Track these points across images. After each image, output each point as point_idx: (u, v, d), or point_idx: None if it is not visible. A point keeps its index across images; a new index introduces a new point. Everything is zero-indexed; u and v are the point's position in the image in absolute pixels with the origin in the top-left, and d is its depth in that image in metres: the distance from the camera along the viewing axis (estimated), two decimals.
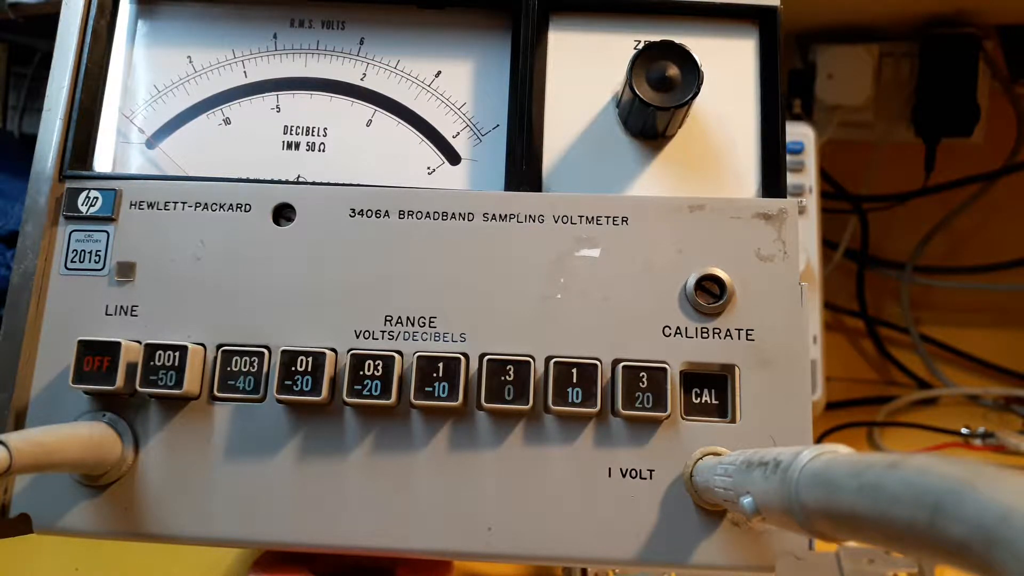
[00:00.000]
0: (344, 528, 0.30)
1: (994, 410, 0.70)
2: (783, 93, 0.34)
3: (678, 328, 0.31)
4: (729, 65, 0.35)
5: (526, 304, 0.31)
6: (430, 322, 0.31)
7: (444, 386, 0.30)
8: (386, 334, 0.31)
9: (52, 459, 0.27)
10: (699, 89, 0.32)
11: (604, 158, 0.34)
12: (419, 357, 0.30)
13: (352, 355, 0.30)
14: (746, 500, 0.22)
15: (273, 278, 0.32)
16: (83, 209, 0.33)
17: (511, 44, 0.35)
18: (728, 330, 0.31)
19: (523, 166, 0.33)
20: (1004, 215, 0.75)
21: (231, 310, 0.32)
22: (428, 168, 0.35)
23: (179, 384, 0.30)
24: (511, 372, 0.30)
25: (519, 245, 0.32)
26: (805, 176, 0.64)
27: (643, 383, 0.30)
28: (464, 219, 0.32)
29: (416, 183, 0.34)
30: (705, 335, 0.31)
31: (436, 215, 0.32)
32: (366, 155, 0.36)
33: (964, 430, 0.65)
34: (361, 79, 0.36)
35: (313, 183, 0.34)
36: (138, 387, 0.30)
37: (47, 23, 0.39)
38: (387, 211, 0.32)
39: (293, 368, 0.30)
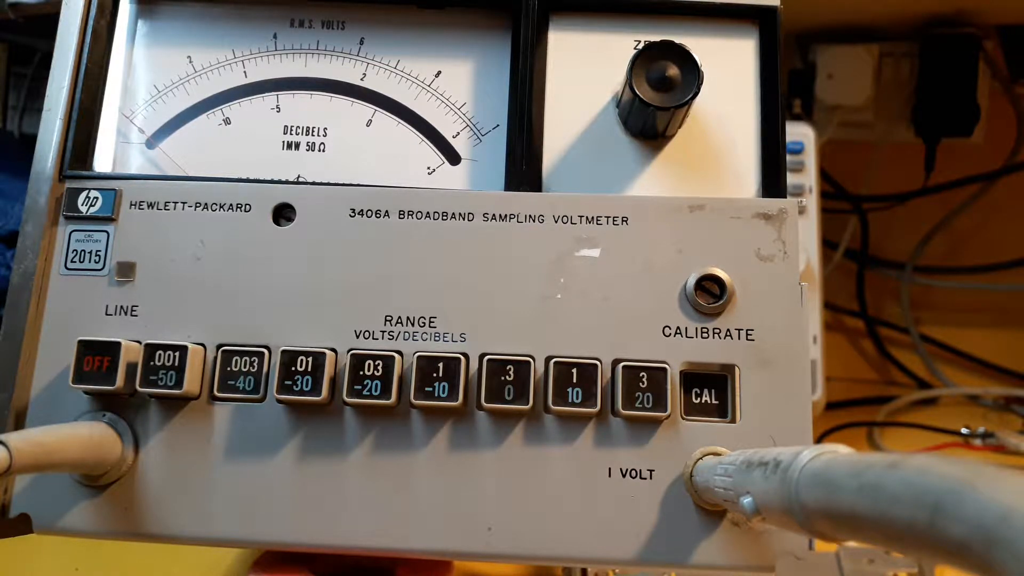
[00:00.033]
0: (344, 528, 0.30)
1: (994, 410, 0.70)
2: (783, 93, 0.34)
3: (678, 328, 0.31)
4: (729, 65, 0.35)
5: (526, 304, 0.31)
6: (430, 322, 0.31)
7: (444, 386, 0.30)
8: (386, 334, 0.31)
9: (52, 459, 0.27)
10: (699, 89, 0.32)
11: (604, 158, 0.34)
12: (419, 357, 0.30)
13: (352, 355, 0.30)
14: (746, 500, 0.22)
15: (273, 278, 0.32)
16: (83, 209, 0.33)
17: (511, 44, 0.35)
18: (728, 330, 0.31)
19: (523, 166, 0.33)
20: (1004, 215, 0.75)
21: (231, 310, 0.32)
22: (428, 168, 0.35)
23: (179, 384, 0.30)
24: (511, 372, 0.30)
25: (519, 245, 0.32)
26: (805, 176, 0.64)
27: (643, 383, 0.30)
28: (464, 219, 0.32)
29: (416, 183, 0.34)
30: (705, 335, 0.31)
31: (436, 215, 0.32)
32: (366, 155, 0.36)
33: (964, 430, 0.65)
34: (361, 79, 0.36)
35: (313, 183, 0.34)
36: (138, 387, 0.30)
37: (47, 23, 0.39)
38: (387, 211, 0.32)
39: (293, 368, 0.30)
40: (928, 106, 0.69)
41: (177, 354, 0.30)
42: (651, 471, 0.30)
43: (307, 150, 0.36)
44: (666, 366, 0.30)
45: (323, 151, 0.36)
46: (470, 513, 0.30)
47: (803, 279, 0.32)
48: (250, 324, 0.32)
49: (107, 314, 0.32)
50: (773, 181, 0.33)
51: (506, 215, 0.32)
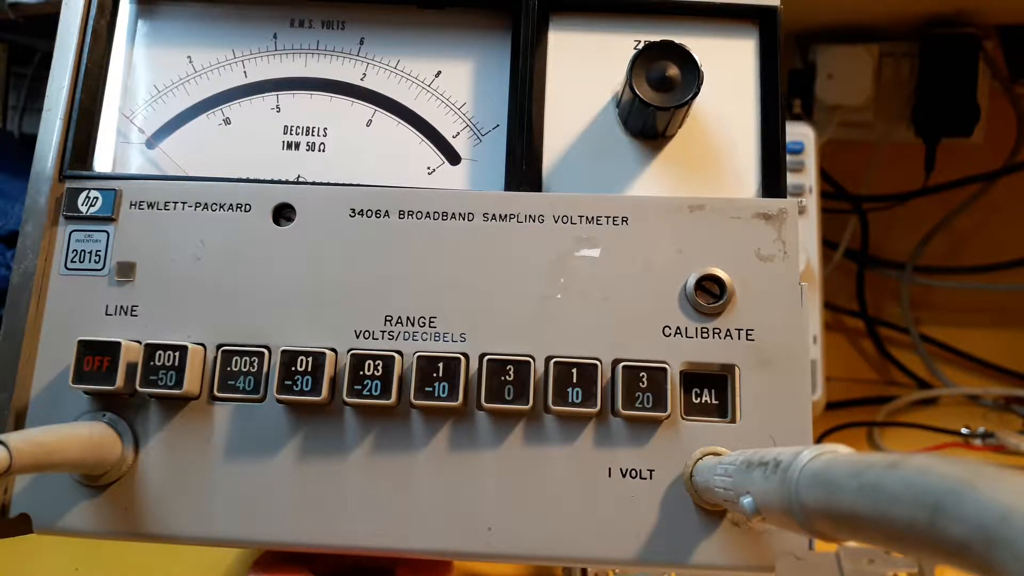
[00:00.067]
0: (344, 528, 0.30)
1: (994, 410, 0.70)
2: (783, 93, 0.34)
3: (678, 328, 0.31)
4: (729, 65, 0.35)
5: (526, 304, 0.31)
6: (430, 322, 0.31)
7: (444, 386, 0.30)
8: (386, 334, 0.31)
9: (52, 459, 0.27)
10: (699, 89, 0.32)
11: (604, 158, 0.34)
12: (419, 357, 0.30)
13: (352, 355, 0.30)
14: (746, 500, 0.22)
15: (273, 278, 0.32)
16: (83, 209, 0.33)
17: (511, 44, 0.35)
18: (728, 330, 0.31)
19: (523, 166, 0.33)
20: (1004, 215, 0.75)
21: (231, 310, 0.32)
22: (428, 168, 0.35)
23: (179, 384, 0.30)
24: (511, 372, 0.30)
25: (519, 245, 0.32)
26: (805, 176, 0.64)
27: (643, 383, 0.30)
28: (464, 219, 0.32)
29: (416, 183, 0.34)
30: (705, 335, 0.31)
31: (436, 215, 0.32)
32: (366, 155, 0.36)
33: (964, 430, 0.65)
34: (361, 79, 0.36)
35: (313, 183, 0.34)
36: (138, 387, 0.30)
37: (47, 23, 0.39)
38: (387, 211, 0.32)
39: (293, 368, 0.30)
40: (928, 106, 0.69)
41: (177, 354, 0.30)
42: (651, 471, 0.30)
43: (307, 150, 0.36)
44: (666, 366, 0.30)
45: (323, 151, 0.36)
46: (470, 513, 0.30)
47: (803, 279, 0.32)
48: (250, 324, 0.32)
49: (107, 314, 0.32)
50: (773, 181, 0.33)
51: (506, 215, 0.32)
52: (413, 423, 0.31)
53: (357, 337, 0.31)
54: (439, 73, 0.36)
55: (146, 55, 0.37)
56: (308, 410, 0.31)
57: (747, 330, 0.31)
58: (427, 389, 0.30)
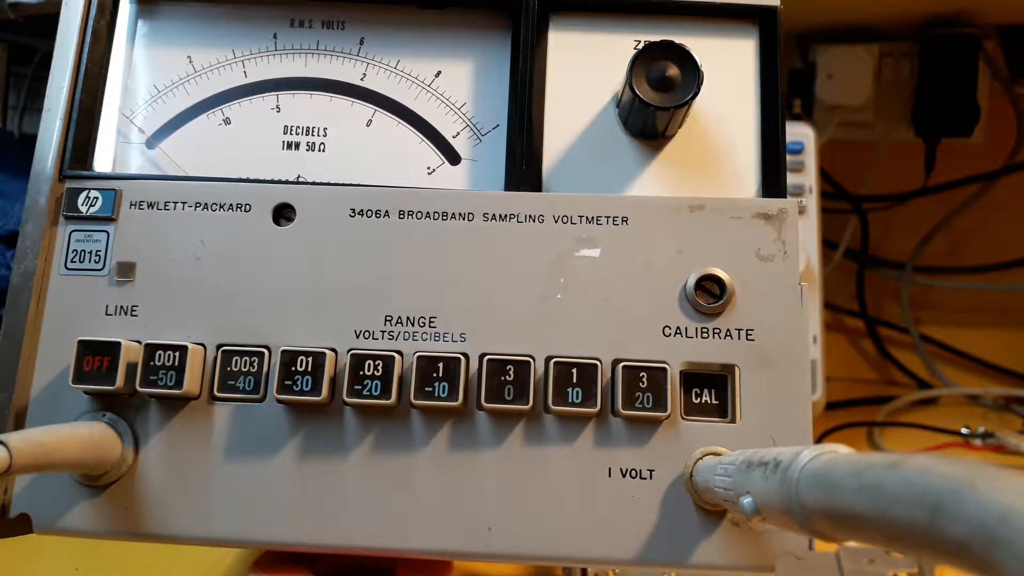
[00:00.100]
0: (344, 528, 0.30)
1: (994, 410, 0.70)
2: (783, 93, 0.34)
3: (678, 328, 0.31)
4: (729, 65, 0.35)
5: (526, 304, 0.31)
6: (430, 322, 0.31)
7: (444, 386, 0.30)
8: (386, 334, 0.31)
9: (52, 459, 0.27)
10: (699, 89, 0.32)
11: (604, 158, 0.34)
12: (419, 357, 0.30)
13: (352, 355, 0.30)
14: (746, 500, 0.22)
15: (273, 278, 0.32)
16: (83, 209, 0.33)
17: (511, 44, 0.35)
18: (728, 330, 0.31)
19: (523, 166, 0.33)
20: (1004, 215, 0.75)
21: (231, 310, 0.32)
22: (428, 168, 0.35)
23: (179, 384, 0.30)
24: (511, 372, 0.30)
25: (519, 245, 0.32)
26: (805, 176, 0.64)
27: (643, 383, 0.30)
28: (464, 219, 0.32)
29: (416, 183, 0.34)
30: (705, 335, 0.31)
31: (436, 215, 0.32)
32: (366, 155, 0.36)
33: (964, 430, 0.65)
34: (361, 79, 0.36)
35: (313, 183, 0.34)
36: (138, 387, 0.30)
37: (47, 23, 0.39)
38: (387, 211, 0.32)
39: (293, 368, 0.30)
40: (928, 106, 0.69)
41: (177, 354, 0.30)
42: (651, 471, 0.30)
43: (307, 150, 0.36)
44: (666, 366, 0.30)
45: (323, 151, 0.36)
46: (470, 513, 0.30)
47: (803, 279, 0.32)
48: (250, 324, 0.32)
49: (107, 314, 0.32)
50: (773, 181, 0.33)
51: (506, 215, 0.32)
52: (413, 423, 0.31)
53: (357, 337, 0.31)
54: (439, 73, 0.36)
55: (146, 55, 0.37)
56: (308, 410, 0.31)
57: (747, 330, 0.31)
58: (427, 389, 0.30)
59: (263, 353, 0.31)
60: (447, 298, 0.32)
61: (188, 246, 0.32)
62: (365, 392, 0.30)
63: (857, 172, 0.75)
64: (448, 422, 0.31)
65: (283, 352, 0.30)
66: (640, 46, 0.33)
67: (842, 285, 0.77)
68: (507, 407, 0.30)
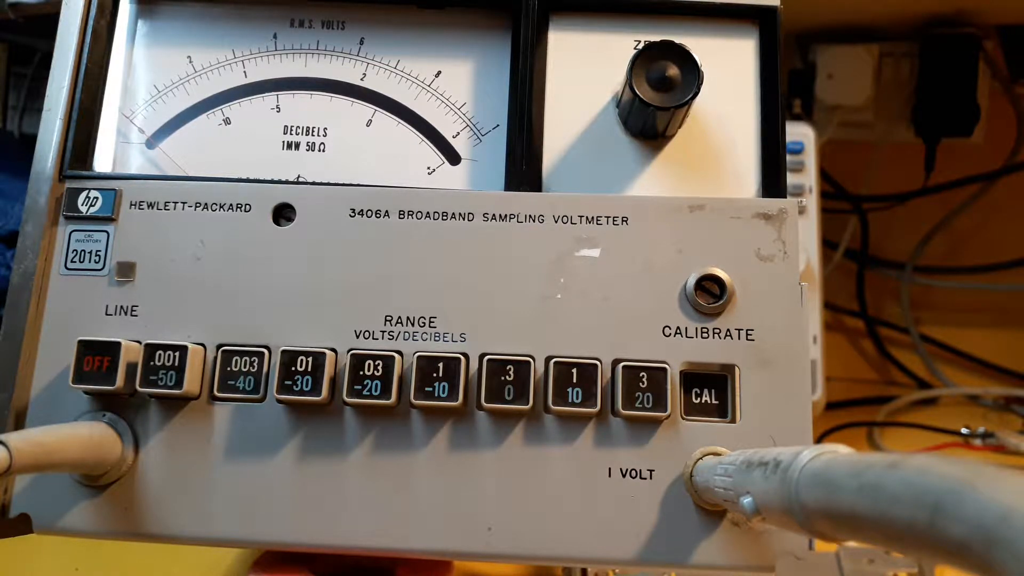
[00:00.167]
0: (344, 528, 0.30)
1: (994, 410, 0.70)
2: (783, 93, 0.34)
3: (678, 328, 0.31)
4: (729, 65, 0.35)
5: (526, 304, 0.31)
6: (430, 322, 0.31)
7: (444, 386, 0.30)
8: (386, 334, 0.31)
9: (52, 459, 0.27)
10: (699, 89, 0.32)
11: (604, 158, 0.34)
12: (419, 357, 0.30)
13: (352, 355, 0.30)
14: (746, 500, 0.22)
15: (273, 278, 0.32)
16: (83, 209, 0.33)
17: (511, 44, 0.35)
18: (728, 330, 0.31)
19: (523, 166, 0.33)
20: (1004, 215, 0.75)
21: (231, 310, 0.32)
22: (428, 168, 0.35)
23: (179, 384, 0.30)
24: (511, 372, 0.30)
25: (519, 245, 0.32)
26: (805, 176, 0.64)
27: (643, 383, 0.30)
28: (464, 219, 0.32)
29: (416, 183, 0.34)
30: (705, 335, 0.31)
31: (436, 215, 0.32)
32: (366, 155, 0.36)
33: (964, 430, 0.65)
34: (361, 79, 0.36)
35: (313, 183, 0.34)
36: (138, 387, 0.30)
37: (47, 23, 0.39)
38: (387, 211, 0.33)
39: (293, 368, 0.30)
40: (928, 106, 0.69)
41: (177, 354, 0.30)
42: (651, 471, 0.30)
43: (307, 150, 0.36)
44: (666, 366, 0.30)
45: (323, 151, 0.36)
46: (470, 513, 0.30)
47: (803, 279, 0.32)
48: (250, 324, 0.32)
49: (107, 314, 0.32)
50: (773, 181, 0.33)
51: (506, 215, 0.32)
52: (413, 423, 0.31)
53: (357, 337, 0.31)
54: (439, 73, 0.36)
55: (146, 55, 0.37)
56: (308, 410, 0.31)
57: (747, 330, 0.31)
58: (427, 389, 0.30)
59: (263, 353, 0.31)
60: (447, 298, 0.32)
61: (188, 246, 0.32)
62: (365, 392, 0.30)
63: (857, 172, 0.75)
64: (448, 422, 0.31)
65: (283, 352, 0.30)
66: (640, 46, 0.33)
67: (842, 285, 0.77)
68: (507, 407, 0.30)
